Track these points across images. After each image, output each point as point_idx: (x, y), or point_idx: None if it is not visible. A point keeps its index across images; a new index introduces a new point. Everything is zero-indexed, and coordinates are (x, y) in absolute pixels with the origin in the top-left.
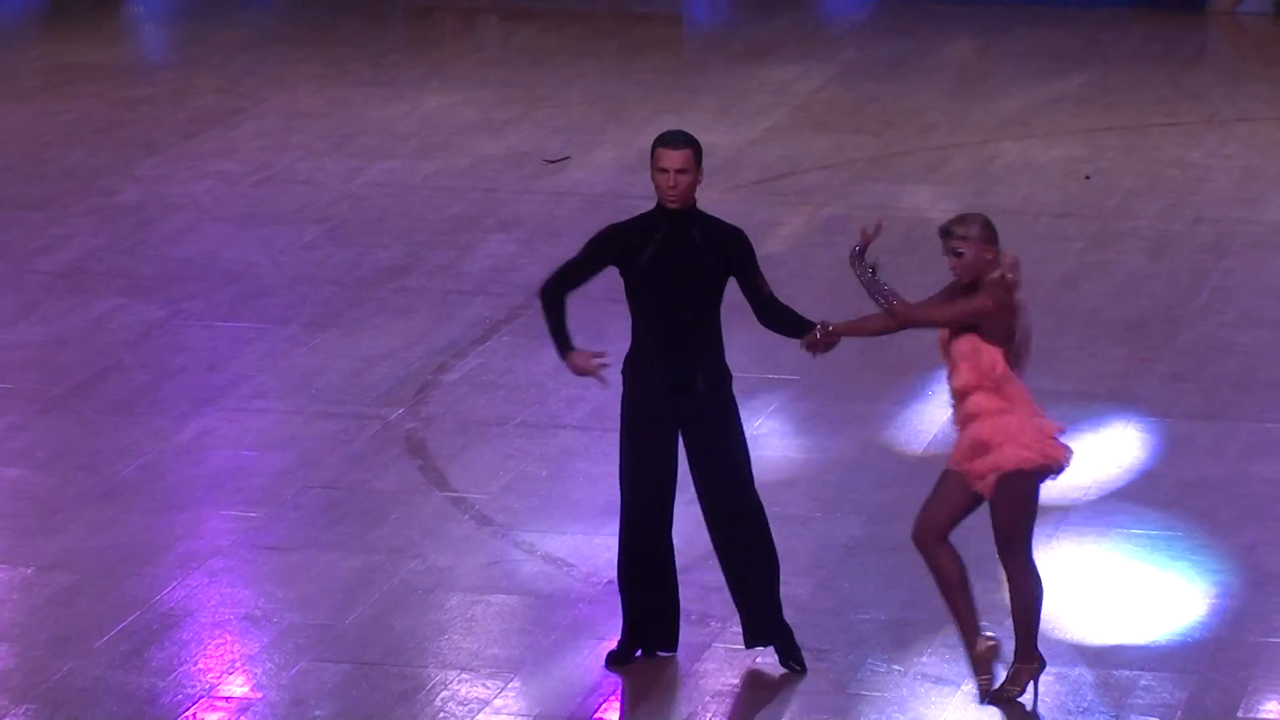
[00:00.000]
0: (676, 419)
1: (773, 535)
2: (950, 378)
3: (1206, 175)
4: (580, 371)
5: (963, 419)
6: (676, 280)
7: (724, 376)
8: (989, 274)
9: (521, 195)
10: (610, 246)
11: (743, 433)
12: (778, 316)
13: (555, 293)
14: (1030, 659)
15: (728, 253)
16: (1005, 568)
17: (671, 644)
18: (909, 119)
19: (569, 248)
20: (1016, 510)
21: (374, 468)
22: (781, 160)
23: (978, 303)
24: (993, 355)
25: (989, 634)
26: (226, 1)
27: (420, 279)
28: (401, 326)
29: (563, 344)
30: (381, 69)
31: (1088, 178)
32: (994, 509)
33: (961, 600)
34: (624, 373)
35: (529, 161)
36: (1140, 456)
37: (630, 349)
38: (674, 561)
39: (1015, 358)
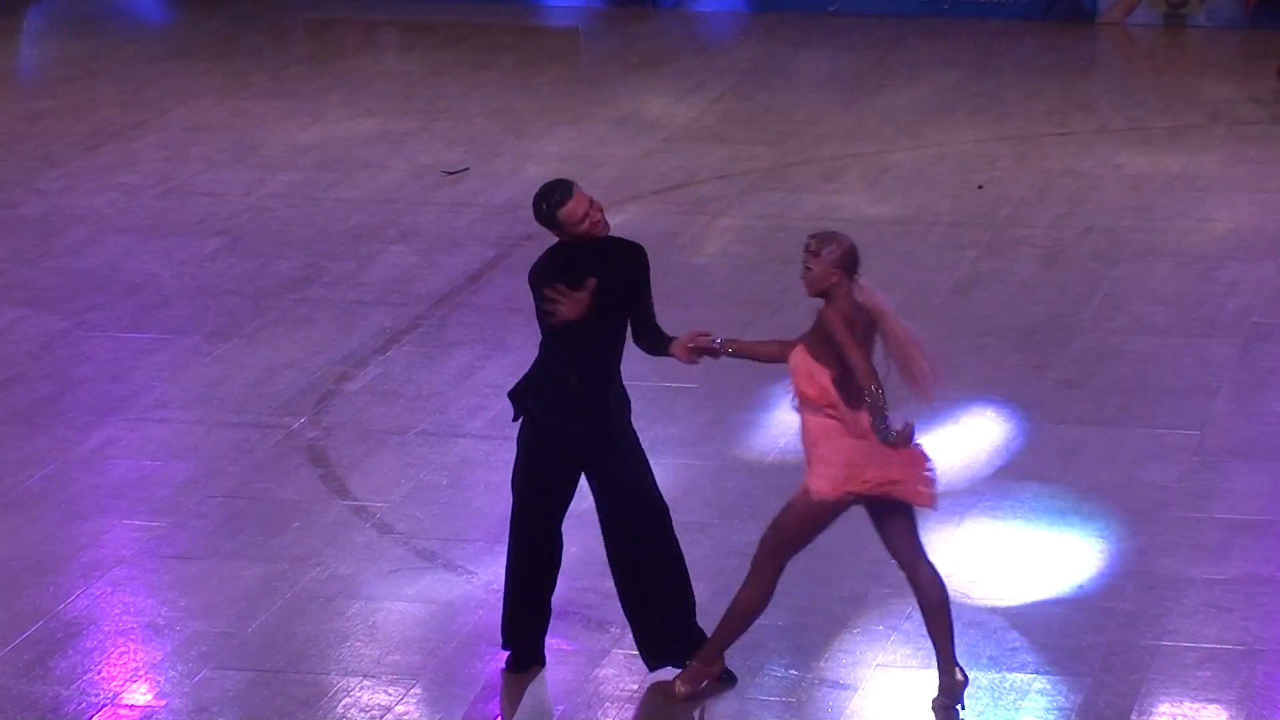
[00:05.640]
0: (588, 441)
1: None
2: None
3: (1097, 184)
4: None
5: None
6: (607, 298)
7: (626, 393)
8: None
9: (421, 206)
10: (546, 280)
11: (642, 449)
12: (656, 339)
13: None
14: (713, 662)
15: (634, 268)
16: (752, 567)
17: (540, 658)
18: (804, 129)
19: (468, 258)
20: (794, 524)
21: (276, 477)
22: (679, 171)
23: (832, 323)
24: (823, 377)
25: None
26: (128, 15)
27: (321, 289)
28: (303, 337)
29: None
30: (282, 81)
31: (981, 187)
32: (784, 510)
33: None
34: (527, 396)
35: (428, 173)
36: (1033, 462)
37: (537, 373)
38: (555, 578)
39: (847, 384)
